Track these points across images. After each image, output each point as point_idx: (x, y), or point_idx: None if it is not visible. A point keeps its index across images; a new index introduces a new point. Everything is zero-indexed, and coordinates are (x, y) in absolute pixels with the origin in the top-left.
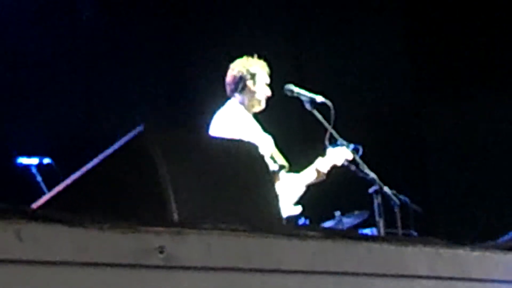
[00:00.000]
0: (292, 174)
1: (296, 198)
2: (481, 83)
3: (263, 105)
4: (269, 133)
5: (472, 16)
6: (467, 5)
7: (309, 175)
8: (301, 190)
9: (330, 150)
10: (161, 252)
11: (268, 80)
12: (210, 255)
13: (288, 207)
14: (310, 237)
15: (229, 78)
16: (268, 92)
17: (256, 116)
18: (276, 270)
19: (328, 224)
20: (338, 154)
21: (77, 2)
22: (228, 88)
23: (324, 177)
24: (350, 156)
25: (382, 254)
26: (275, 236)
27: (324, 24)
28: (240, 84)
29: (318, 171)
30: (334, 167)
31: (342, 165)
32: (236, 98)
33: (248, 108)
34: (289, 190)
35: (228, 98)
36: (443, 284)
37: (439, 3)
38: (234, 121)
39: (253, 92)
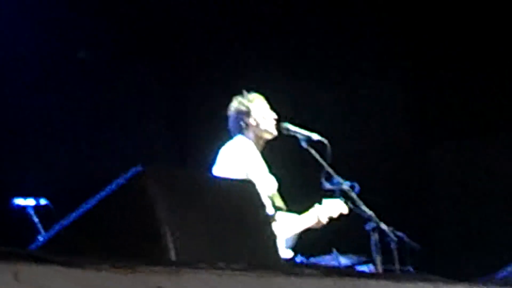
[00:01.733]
0: (291, 214)
1: (292, 237)
2: (486, 122)
3: (273, 132)
4: (276, 176)
5: (478, 50)
6: (472, 40)
7: (308, 220)
8: (298, 231)
9: (327, 202)
10: None
11: (268, 107)
12: None
13: (281, 251)
14: (309, 275)
15: (230, 119)
16: (274, 115)
17: (263, 155)
18: None
19: (324, 258)
20: (335, 207)
21: (73, 41)
22: (232, 129)
23: (322, 224)
24: (345, 211)
25: None
26: (274, 274)
27: (322, 61)
28: (242, 121)
29: (318, 219)
30: (331, 219)
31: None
32: (243, 136)
33: (257, 142)
34: (287, 229)
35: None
36: None
37: (442, 38)
38: (241, 157)
39: (257, 124)
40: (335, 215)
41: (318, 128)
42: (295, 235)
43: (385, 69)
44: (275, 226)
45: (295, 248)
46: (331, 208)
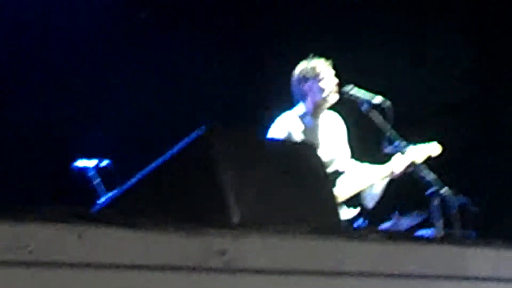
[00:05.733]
0: (364, 164)
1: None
2: None
3: (334, 97)
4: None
5: None
6: None
7: (383, 169)
8: (370, 182)
9: (412, 148)
10: (223, 255)
11: (331, 72)
12: (271, 258)
13: (345, 210)
14: (372, 239)
15: (293, 84)
16: (336, 81)
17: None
18: (338, 272)
19: (385, 225)
20: (424, 151)
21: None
22: (294, 94)
23: (400, 173)
24: (437, 152)
25: (444, 256)
26: (337, 238)
27: (381, 23)
28: (302, 87)
29: (392, 168)
30: (410, 165)
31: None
32: (302, 103)
33: (316, 109)
34: (360, 180)
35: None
36: (506, 286)
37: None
38: (285, 130)
39: (317, 90)
40: (421, 158)
41: (381, 90)
42: (376, 188)
43: (451, 33)
44: (338, 186)
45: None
46: (412, 155)
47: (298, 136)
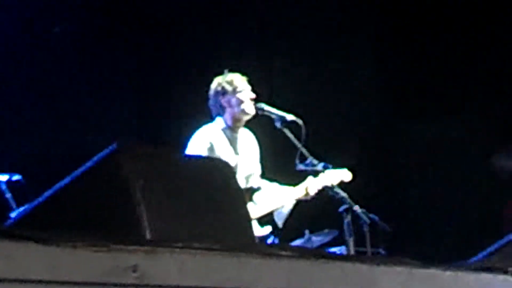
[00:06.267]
0: (279, 186)
1: (282, 209)
2: (454, 102)
3: (251, 111)
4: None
5: (448, 31)
6: (438, 23)
7: (296, 191)
8: (285, 202)
9: (328, 172)
10: (134, 271)
11: (248, 87)
12: (183, 274)
13: (258, 228)
14: (284, 256)
15: (210, 100)
16: (252, 95)
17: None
18: None
19: (297, 242)
20: (335, 176)
21: (50, 16)
22: (211, 109)
23: (311, 196)
24: (348, 178)
25: (356, 273)
26: (249, 255)
27: (295, 42)
28: (219, 101)
29: (306, 190)
30: (323, 189)
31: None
32: (221, 117)
33: (235, 123)
34: (273, 201)
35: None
36: None
37: (411, 21)
38: (207, 141)
39: (234, 104)
40: (335, 183)
41: (293, 107)
42: (286, 207)
43: (357, 48)
44: (254, 203)
45: (288, 221)
46: (325, 179)
47: (220, 148)
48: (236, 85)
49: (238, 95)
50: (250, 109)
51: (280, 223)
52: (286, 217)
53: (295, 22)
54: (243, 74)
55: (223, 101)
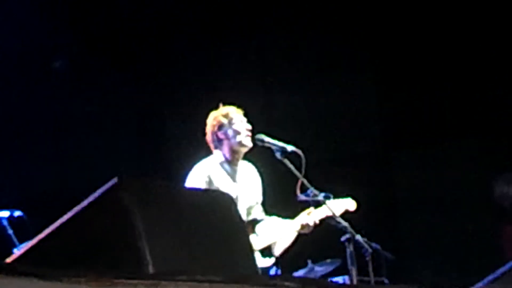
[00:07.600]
0: (277, 219)
1: (282, 241)
2: (452, 131)
3: (248, 144)
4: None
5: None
6: (434, 55)
7: (294, 224)
8: (284, 235)
9: (331, 203)
10: None
11: (244, 119)
12: None
13: (260, 259)
14: (287, 287)
15: (207, 134)
16: (249, 126)
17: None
18: None
19: (300, 273)
20: (339, 206)
21: (48, 51)
22: (210, 143)
23: (311, 228)
24: (353, 208)
25: None
26: (252, 286)
27: (293, 73)
28: (216, 135)
29: (305, 223)
30: (326, 218)
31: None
32: (219, 151)
33: (233, 156)
34: (272, 234)
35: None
36: None
37: (408, 54)
38: (205, 175)
39: (231, 137)
40: (339, 213)
41: (292, 137)
42: (285, 240)
43: (357, 78)
44: (257, 234)
45: (291, 252)
46: (329, 209)
47: (218, 181)
48: (231, 117)
49: (234, 126)
50: (246, 141)
51: (277, 252)
52: (286, 247)
53: (294, 52)
54: (238, 106)
55: (220, 133)
